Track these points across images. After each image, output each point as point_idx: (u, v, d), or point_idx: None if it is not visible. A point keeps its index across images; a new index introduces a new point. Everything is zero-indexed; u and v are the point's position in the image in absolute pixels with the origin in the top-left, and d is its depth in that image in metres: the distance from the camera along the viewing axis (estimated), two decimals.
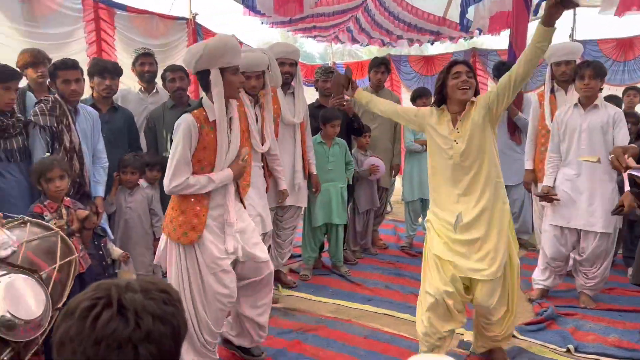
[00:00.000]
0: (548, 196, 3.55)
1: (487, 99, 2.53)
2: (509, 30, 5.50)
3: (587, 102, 3.46)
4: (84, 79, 3.29)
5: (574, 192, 3.48)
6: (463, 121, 2.56)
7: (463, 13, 7.61)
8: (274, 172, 3.71)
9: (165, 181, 2.48)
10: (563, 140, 3.55)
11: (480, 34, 8.23)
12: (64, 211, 2.79)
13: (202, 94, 2.59)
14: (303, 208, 4.16)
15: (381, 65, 4.79)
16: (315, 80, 4.71)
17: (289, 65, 3.80)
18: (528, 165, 4.17)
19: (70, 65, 3.16)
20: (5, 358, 1.50)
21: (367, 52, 17.54)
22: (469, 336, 3.15)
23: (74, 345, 0.80)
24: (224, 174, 2.54)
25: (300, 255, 4.56)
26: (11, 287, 1.54)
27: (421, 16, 8.09)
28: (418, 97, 4.81)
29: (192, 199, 2.53)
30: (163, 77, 3.96)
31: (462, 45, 10.65)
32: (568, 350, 2.96)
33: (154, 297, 0.85)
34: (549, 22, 2.28)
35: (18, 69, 3.52)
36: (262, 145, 3.48)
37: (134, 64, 4.17)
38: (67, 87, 3.11)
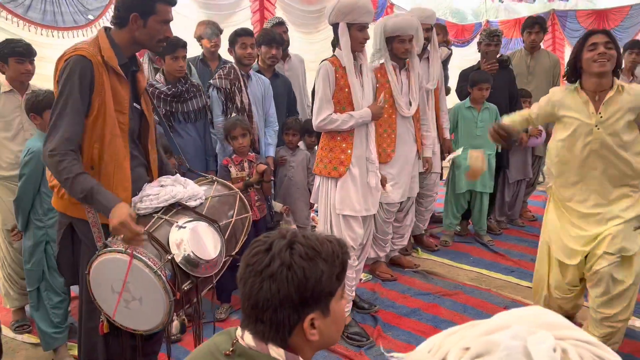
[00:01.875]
0: None
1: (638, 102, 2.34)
2: None
3: None
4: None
5: None
6: (607, 105, 2.36)
7: None
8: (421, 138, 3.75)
9: (313, 118, 2.88)
10: None
11: None
12: (245, 165, 3.27)
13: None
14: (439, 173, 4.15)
15: (535, 25, 4.46)
16: (479, 43, 4.56)
17: (425, 31, 3.73)
18: None
19: (248, 32, 3.61)
20: (185, 288, 1.84)
21: (527, 8, 16.03)
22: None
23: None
24: (363, 112, 2.85)
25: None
26: (196, 232, 1.86)
27: None
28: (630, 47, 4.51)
29: (339, 137, 2.87)
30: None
31: None
32: None
33: (294, 248, 1.01)
34: None
35: (195, 39, 4.03)
36: (409, 110, 3.52)
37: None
38: (244, 51, 3.50)
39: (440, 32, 4.74)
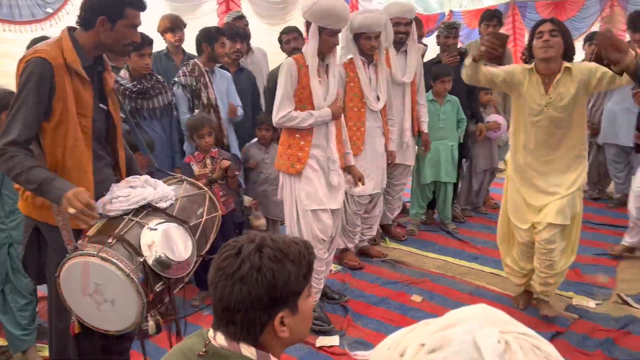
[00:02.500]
0: None
1: (588, 76, 2.59)
2: None
3: None
4: None
5: None
6: (555, 87, 2.64)
7: None
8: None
9: (273, 114, 2.90)
10: None
11: None
12: (208, 161, 3.30)
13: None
14: (412, 165, 4.25)
15: (493, 18, 4.54)
16: (438, 35, 4.64)
17: (404, 25, 3.79)
18: None
19: (224, 32, 3.65)
20: (157, 289, 1.86)
21: None
22: (578, 300, 3.13)
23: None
24: (323, 111, 2.88)
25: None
26: (167, 233, 1.88)
27: None
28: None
29: (297, 135, 2.92)
30: (280, 40, 4.17)
31: None
32: None
33: (263, 251, 1.06)
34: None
35: (158, 33, 3.98)
36: (377, 104, 3.59)
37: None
38: (223, 50, 3.56)
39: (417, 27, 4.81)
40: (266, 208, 3.91)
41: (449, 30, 4.41)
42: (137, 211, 1.96)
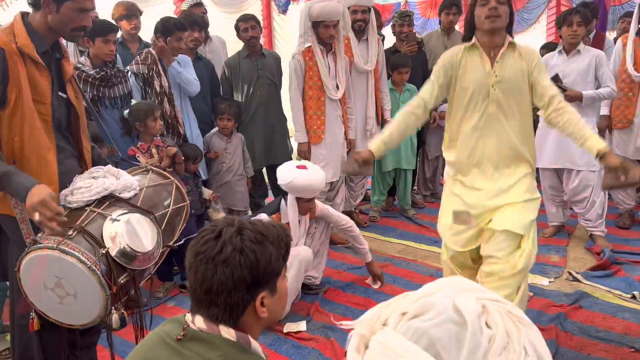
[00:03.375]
0: None
1: (529, 69, 2.23)
2: None
3: (570, 48, 3.59)
4: None
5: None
6: (501, 64, 2.24)
7: None
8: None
9: None
10: None
11: None
12: (154, 150, 3.22)
13: None
14: None
15: (452, 7, 4.59)
16: (392, 25, 4.70)
17: (361, 12, 3.83)
18: (604, 111, 4.01)
19: (185, 27, 3.55)
20: (122, 281, 1.83)
21: None
22: (533, 279, 3.27)
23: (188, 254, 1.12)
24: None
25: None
26: (130, 224, 1.83)
27: None
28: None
29: None
30: (236, 27, 4.12)
31: None
32: (633, 297, 3.00)
33: (243, 234, 1.09)
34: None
35: (113, 21, 3.86)
36: (336, 93, 3.63)
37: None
38: (178, 44, 3.46)
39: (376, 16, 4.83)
40: (231, 199, 3.88)
41: (403, 18, 4.47)
42: (100, 202, 1.91)
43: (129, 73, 3.44)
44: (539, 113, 2.55)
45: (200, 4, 4.42)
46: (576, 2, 7.34)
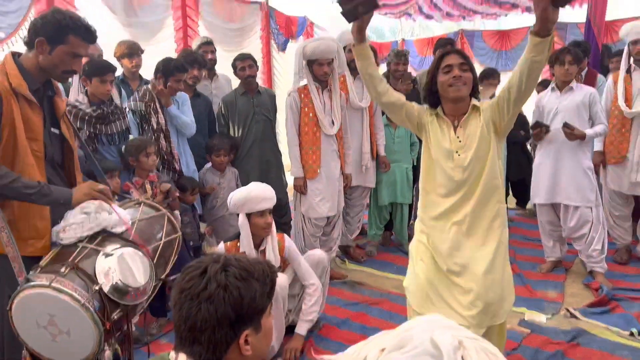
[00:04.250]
0: None
1: (491, 109, 2.15)
2: (587, 4, 5.27)
3: (563, 85, 3.71)
4: None
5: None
6: (464, 128, 2.18)
7: None
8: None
9: None
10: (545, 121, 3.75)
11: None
12: (147, 186, 3.26)
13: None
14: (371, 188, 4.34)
15: (447, 45, 4.65)
16: (388, 63, 4.81)
17: None
18: (597, 147, 4.05)
19: (185, 69, 3.64)
20: (115, 317, 1.83)
21: (441, 26, 17.00)
22: (530, 315, 3.24)
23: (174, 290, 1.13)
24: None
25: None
26: (123, 259, 1.84)
27: None
28: (485, 77, 4.72)
29: None
30: (234, 66, 4.21)
31: None
32: (632, 334, 2.97)
33: (228, 270, 1.09)
34: (544, 30, 1.85)
35: (115, 58, 3.96)
36: (332, 128, 3.69)
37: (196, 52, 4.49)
38: (179, 85, 3.56)
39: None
40: (226, 233, 3.88)
41: (399, 57, 4.58)
42: (92, 237, 1.93)
43: (127, 109, 3.51)
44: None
45: (210, 43, 4.52)
46: (568, 41, 7.56)
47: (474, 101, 2.21)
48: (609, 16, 5.67)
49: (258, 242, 2.82)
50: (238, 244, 2.83)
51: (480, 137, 2.14)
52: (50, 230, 1.93)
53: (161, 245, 2.06)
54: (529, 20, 12.41)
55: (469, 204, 2.18)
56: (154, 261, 1.97)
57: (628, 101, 3.81)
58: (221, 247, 2.85)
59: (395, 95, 2.30)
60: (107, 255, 1.86)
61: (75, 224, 1.92)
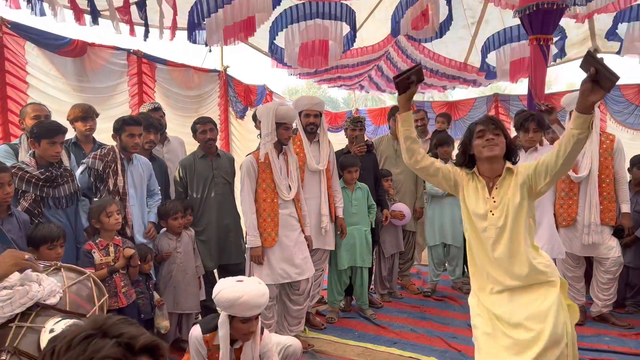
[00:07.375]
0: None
1: (527, 172, 2.29)
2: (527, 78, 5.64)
3: (527, 148, 3.94)
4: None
5: None
6: (499, 189, 2.34)
7: (484, 58, 7.88)
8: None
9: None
10: None
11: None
12: (111, 249, 3.14)
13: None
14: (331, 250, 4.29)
15: (357, 123, 4.75)
16: (345, 129, 4.93)
17: (314, 116, 4.03)
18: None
19: (136, 121, 3.57)
20: None
21: (391, 98, 17.87)
22: None
23: None
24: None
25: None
26: None
27: (443, 62, 8.36)
28: (440, 144, 4.89)
29: None
30: (193, 129, 4.19)
31: (485, 90, 10.82)
32: None
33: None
34: (590, 109, 1.98)
35: (68, 121, 3.87)
36: (288, 194, 3.68)
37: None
38: (132, 140, 3.48)
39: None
40: (181, 301, 3.69)
41: (355, 123, 4.71)
42: (23, 314, 1.75)
43: (82, 165, 3.42)
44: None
45: (158, 109, 4.54)
46: (512, 112, 8.04)
47: (508, 164, 2.37)
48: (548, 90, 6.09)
49: (235, 339, 2.55)
50: (215, 336, 2.54)
51: (513, 198, 2.28)
52: None
53: (97, 312, 1.92)
54: (475, 92, 13.23)
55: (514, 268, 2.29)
56: None
57: (574, 166, 4.01)
58: (199, 336, 2.57)
59: (429, 159, 2.48)
60: (51, 331, 1.70)
61: (1, 303, 1.74)
